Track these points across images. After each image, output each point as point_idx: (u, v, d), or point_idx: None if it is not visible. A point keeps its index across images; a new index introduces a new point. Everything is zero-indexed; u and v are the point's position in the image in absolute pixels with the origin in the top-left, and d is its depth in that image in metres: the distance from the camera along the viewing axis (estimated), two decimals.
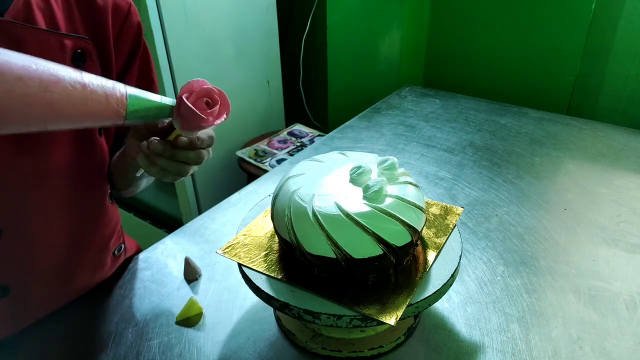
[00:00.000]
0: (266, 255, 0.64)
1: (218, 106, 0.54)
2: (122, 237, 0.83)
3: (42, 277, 0.68)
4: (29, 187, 0.61)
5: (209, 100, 0.54)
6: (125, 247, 0.83)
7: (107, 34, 0.65)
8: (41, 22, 0.56)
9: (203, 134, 0.58)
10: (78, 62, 0.60)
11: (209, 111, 0.53)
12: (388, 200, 0.57)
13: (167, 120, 0.60)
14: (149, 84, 0.74)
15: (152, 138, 0.57)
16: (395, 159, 0.62)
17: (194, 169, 0.60)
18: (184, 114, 0.53)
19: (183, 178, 0.61)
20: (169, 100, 0.54)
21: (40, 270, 0.67)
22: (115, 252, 0.79)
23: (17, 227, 0.62)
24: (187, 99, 0.53)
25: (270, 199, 0.72)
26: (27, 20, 0.55)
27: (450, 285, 0.61)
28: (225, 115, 0.55)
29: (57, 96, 0.44)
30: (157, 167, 0.58)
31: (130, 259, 0.84)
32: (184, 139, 0.56)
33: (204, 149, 0.59)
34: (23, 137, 0.58)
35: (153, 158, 0.57)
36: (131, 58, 0.70)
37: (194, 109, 0.52)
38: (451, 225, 0.68)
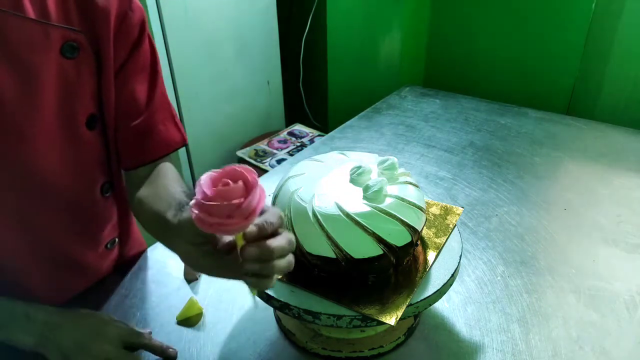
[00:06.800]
0: None
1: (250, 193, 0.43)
2: (117, 231, 0.81)
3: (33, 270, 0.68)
4: (19, 186, 0.61)
5: (230, 180, 0.43)
6: (118, 242, 0.81)
7: (107, 26, 0.63)
8: (30, 12, 0.55)
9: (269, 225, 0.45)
10: (69, 54, 0.58)
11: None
12: (388, 200, 0.57)
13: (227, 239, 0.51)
14: (153, 75, 0.72)
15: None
16: (395, 159, 0.62)
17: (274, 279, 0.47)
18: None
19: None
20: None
21: (30, 263, 0.67)
22: (108, 245, 0.77)
23: (3, 221, 0.62)
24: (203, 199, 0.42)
25: (270, 199, 0.72)
26: (14, 9, 0.53)
27: (450, 285, 0.61)
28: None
29: None
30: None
31: (133, 258, 0.84)
32: (252, 249, 0.44)
33: (274, 258, 0.45)
34: (7, 131, 0.57)
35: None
36: (133, 50, 0.67)
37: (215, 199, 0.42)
38: (451, 225, 0.68)
